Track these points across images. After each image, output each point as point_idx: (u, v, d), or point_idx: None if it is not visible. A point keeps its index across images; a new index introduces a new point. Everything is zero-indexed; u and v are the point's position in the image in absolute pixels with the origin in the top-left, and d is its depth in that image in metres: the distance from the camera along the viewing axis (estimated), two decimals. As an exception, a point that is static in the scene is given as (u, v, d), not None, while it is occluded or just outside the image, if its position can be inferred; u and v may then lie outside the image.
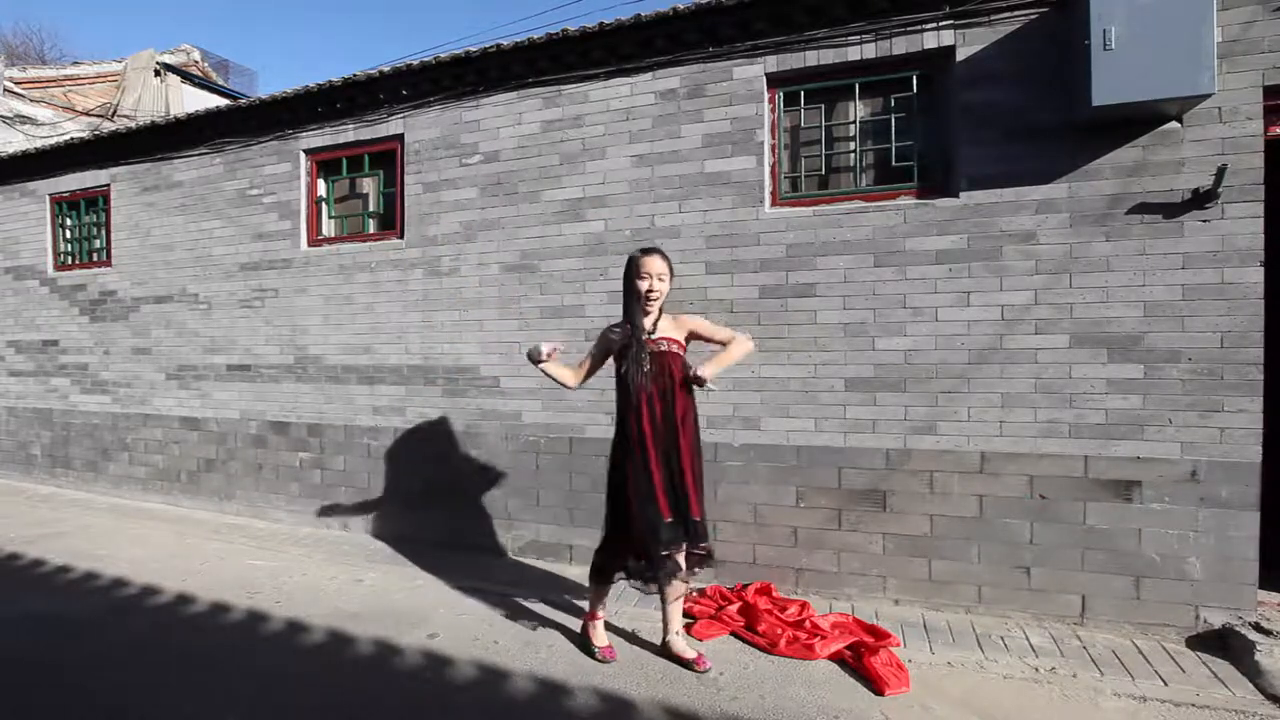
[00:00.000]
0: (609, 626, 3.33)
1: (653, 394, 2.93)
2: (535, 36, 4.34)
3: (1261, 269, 3.16)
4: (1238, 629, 3.09)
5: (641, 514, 2.87)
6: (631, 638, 3.32)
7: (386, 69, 4.82)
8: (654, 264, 2.96)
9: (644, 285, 2.96)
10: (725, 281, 4.04)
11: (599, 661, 3.05)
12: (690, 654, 3.02)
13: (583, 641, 3.20)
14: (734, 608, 3.52)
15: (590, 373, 3.17)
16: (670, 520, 2.87)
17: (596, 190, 4.36)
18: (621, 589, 3.91)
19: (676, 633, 3.09)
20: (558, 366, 3.11)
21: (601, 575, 3.12)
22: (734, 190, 4.03)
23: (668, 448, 2.93)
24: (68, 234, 6.72)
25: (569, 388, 3.21)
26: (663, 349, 2.98)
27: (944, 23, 3.63)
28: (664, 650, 3.11)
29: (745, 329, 3.97)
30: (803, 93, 4.03)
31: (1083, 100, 3.17)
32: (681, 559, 2.96)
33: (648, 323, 3.02)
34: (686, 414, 3.00)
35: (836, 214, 3.84)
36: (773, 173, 4.03)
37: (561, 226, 4.44)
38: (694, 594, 3.70)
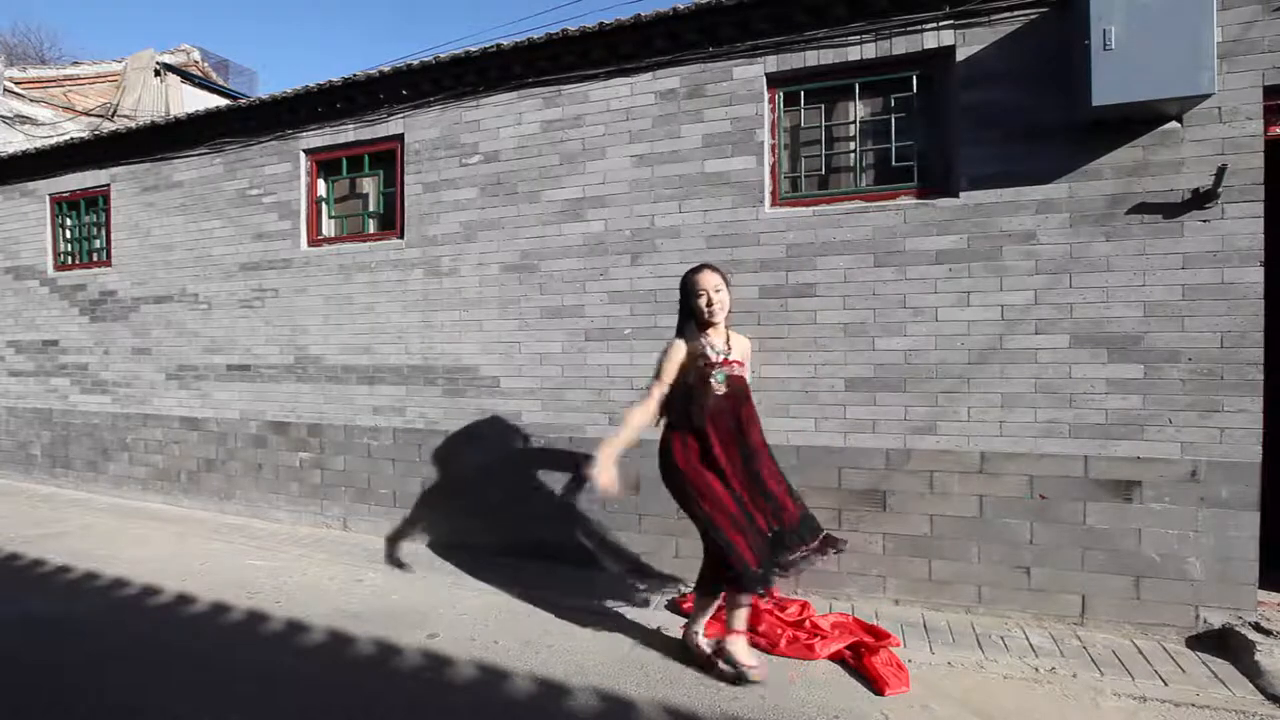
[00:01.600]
0: (600, 621, 3.33)
1: (728, 417, 2.90)
2: (535, 36, 4.34)
3: (1261, 269, 3.16)
4: (1238, 629, 3.09)
5: (747, 530, 2.80)
6: (630, 634, 3.32)
7: (386, 69, 4.82)
8: (708, 279, 2.93)
9: (702, 300, 2.92)
10: (725, 281, 4.04)
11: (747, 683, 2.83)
12: (707, 650, 2.98)
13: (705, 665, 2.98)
14: (734, 608, 3.51)
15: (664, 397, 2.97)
16: (769, 536, 2.83)
17: (596, 190, 4.36)
18: (629, 590, 3.93)
19: (701, 628, 3.08)
20: (626, 436, 2.91)
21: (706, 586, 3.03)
22: (734, 190, 4.03)
23: (748, 470, 2.89)
24: (68, 234, 6.72)
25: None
26: (735, 372, 2.97)
27: (944, 23, 3.63)
28: (686, 639, 3.09)
29: (745, 329, 3.98)
30: (803, 93, 4.02)
31: (1083, 100, 3.17)
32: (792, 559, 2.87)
33: (719, 340, 2.98)
34: (757, 430, 2.99)
35: (836, 214, 3.84)
36: (773, 173, 4.03)
37: (561, 226, 4.44)
38: (692, 594, 3.70)
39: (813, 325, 3.86)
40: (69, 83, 11.79)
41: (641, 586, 3.97)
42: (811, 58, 3.89)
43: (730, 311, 3.05)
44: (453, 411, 4.78)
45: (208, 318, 5.77)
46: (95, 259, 6.52)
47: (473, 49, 4.53)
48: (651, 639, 3.28)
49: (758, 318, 3.97)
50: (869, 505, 3.74)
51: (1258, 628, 3.07)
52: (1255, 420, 3.18)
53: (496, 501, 4.61)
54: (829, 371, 3.83)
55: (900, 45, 3.72)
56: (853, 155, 3.95)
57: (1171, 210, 3.27)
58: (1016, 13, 3.50)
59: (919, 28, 3.68)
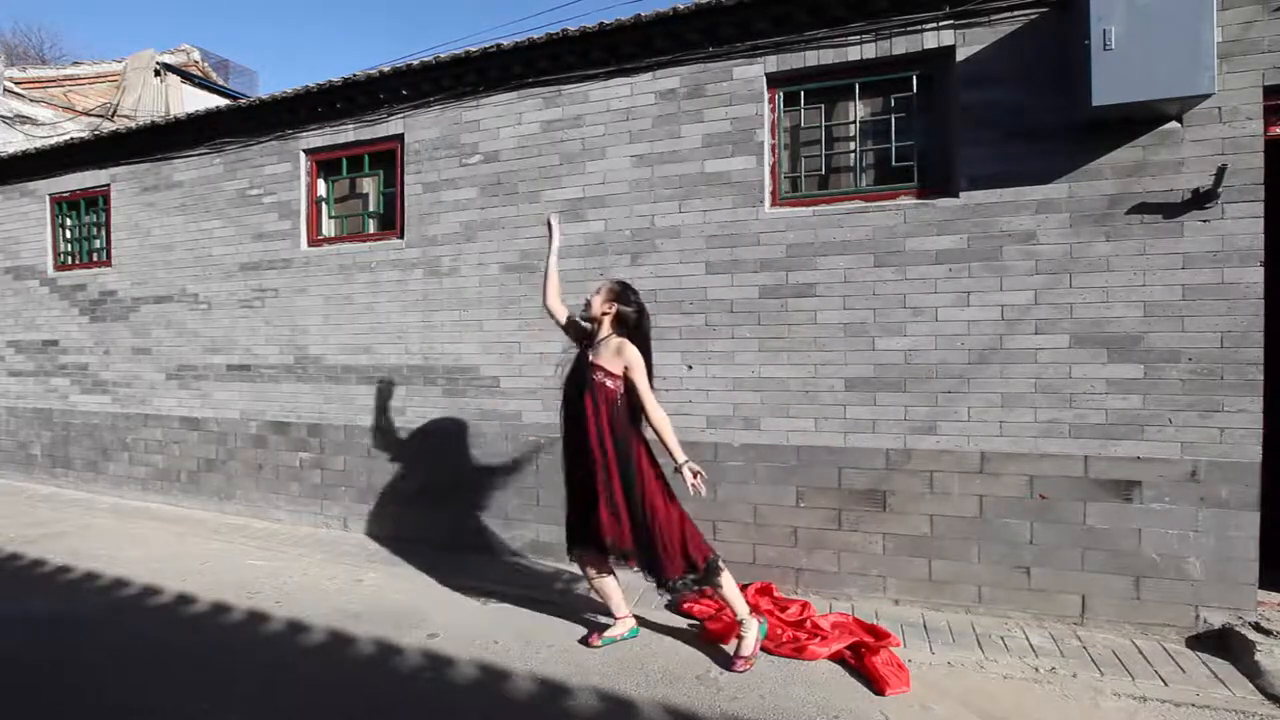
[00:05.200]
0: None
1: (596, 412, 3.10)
2: (535, 36, 4.34)
3: (1261, 269, 3.16)
4: (1238, 629, 3.09)
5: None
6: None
7: (386, 69, 4.82)
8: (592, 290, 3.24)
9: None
10: (725, 281, 4.04)
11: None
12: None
13: None
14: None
15: (564, 325, 3.38)
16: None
17: (596, 190, 4.36)
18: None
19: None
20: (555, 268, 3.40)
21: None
22: (734, 190, 4.03)
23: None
24: (68, 234, 6.72)
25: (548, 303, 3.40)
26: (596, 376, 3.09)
27: (944, 23, 3.63)
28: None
29: (745, 329, 3.99)
30: (803, 93, 4.02)
31: (1083, 100, 3.17)
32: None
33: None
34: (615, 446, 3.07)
35: (836, 214, 3.84)
36: (773, 173, 4.03)
37: (561, 226, 4.43)
38: (695, 594, 3.70)
39: (813, 325, 3.86)
40: (69, 83, 11.79)
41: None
42: (811, 58, 3.89)
43: (606, 316, 3.14)
44: (453, 412, 4.78)
45: (208, 318, 5.77)
46: (95, 259, 6.52)
47: (473, 49, 4.53)
48: (651, 639, 3.28)
49: (758, 318, 3.97)
50: (869, 505, 3.74)
51: (1258, 628, 3.08)
52: (1255, 420, 3.18)
53: (497, 501, 4.61)
54: (829, 371, 3.83)
55: (900, 45, 3.72)
56: (853, 155, 3.95)
57: (1171, 210, 3.27)
58: (1016, 13, 3.51)
59: (919, 28, 3.68)
